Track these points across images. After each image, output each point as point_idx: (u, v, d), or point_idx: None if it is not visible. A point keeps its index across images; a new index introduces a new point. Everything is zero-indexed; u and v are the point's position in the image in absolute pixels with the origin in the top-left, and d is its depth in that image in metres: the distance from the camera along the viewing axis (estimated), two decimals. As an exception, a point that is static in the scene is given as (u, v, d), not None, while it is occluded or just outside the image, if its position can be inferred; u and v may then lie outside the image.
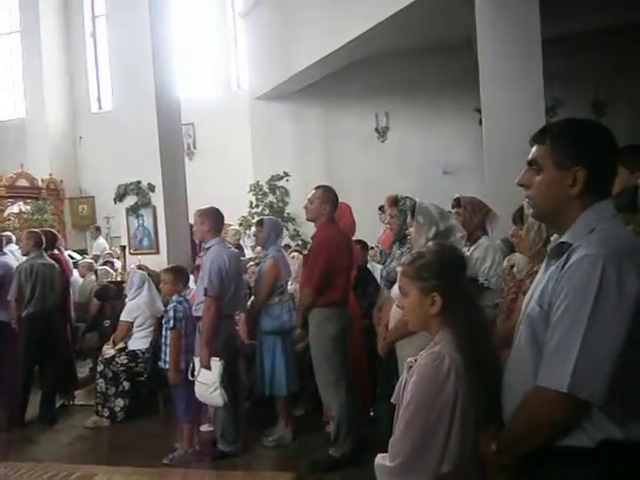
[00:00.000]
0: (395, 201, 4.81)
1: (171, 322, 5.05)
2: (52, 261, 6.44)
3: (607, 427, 1.76)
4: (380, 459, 2.14)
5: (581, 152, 1.87)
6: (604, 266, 1.71)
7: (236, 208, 10.84)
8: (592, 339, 1.70)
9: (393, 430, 2.15)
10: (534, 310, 1.90)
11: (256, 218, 8.73)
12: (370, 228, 7.14)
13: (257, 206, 12.21)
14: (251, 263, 7.00)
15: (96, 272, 8.81)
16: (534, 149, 1.96)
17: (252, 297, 5.66)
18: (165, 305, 5.79)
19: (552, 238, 2.08)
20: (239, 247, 8.91)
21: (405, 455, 2.04)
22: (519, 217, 3.50)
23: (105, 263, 9.18)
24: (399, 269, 2.31)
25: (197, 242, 7.67)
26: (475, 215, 4.46)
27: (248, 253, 9.12)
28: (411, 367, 2.17)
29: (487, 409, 2.07)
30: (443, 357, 2.05)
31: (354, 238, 5.61)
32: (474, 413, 2.04)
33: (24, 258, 6.58)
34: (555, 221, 1.99)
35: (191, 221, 7.09)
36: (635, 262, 1.74)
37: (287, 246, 9.45)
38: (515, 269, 3.66)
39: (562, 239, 1.91)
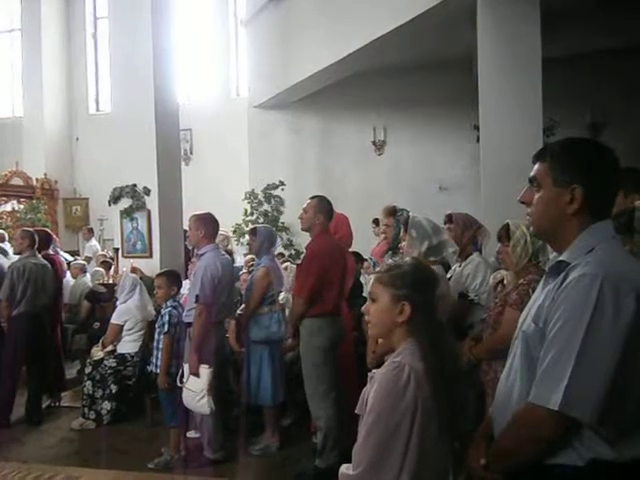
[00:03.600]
0: (393, 211, 4.85)
1: (166, 326, 5.07)
2: (45, 261, 6.41)
3: (597, 447, 1.77)
4: (344, 469, 2.18)
5: (580, 170, 1.88)
6: (601, 286, 1.72)
7: (231, 215, 10.84)
8: (586, 358, 1.71)
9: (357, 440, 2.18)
10: (530, 327, 1.91)
11: (250, 226, 8.75)
12: (364, 240, 7.15)
13: (252, 214, 12.20)
14: (243, 271, 6.99)
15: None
16: (535, 167, 1.98)
17: (243, 305, 5.66)
18: (157, 310, 5.79)
19: (551, 257, 2.09)
20: (228, 253, 8.89)
21: (367, 463, 2.07)
22: (505, 234, 3.53)
23: (102, 263, 9.17)
24: (372, 276, 2.35)
25: (190, 247, 7.66)
26: (466, 231, 4.49)
27: (239, 260, 9.09)
28: (373, 378, 2.21)
29: (450, 420, 2.11)
30: (403, 366, 2.09)
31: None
32: (435, 423, 2.08)
33: (15, 257, 6.56)
34: (554, 239, 2.00)
35: (185, 226, 7.09)
36: (632, 283, 1.74)
37: (281, 254, 9.44)
38: (505, 282, 3.69)
39: (561, 257, 1.91)
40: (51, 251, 7.09)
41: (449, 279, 4.26)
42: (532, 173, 1.98)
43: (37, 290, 6.18)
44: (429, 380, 2.08)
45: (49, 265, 6.45)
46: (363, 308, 2.36)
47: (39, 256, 6.39)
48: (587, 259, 1.82)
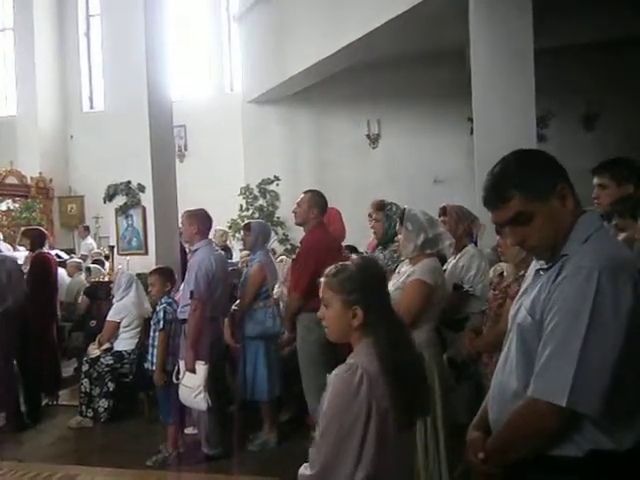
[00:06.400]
0: (382, 206, 4.85)
1: (161, 323, 5.06)
2: (9, 255, 6.21)
3: (596, 437, 1.77)
4: (302, 469, 2.19)
5: (550, 173, 1.89)
6: (599, 277, 1.70)
7: (226, 211, 10.83)
8: (590, 352, 1.70)
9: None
10: (525, 320, 1.88)
11: (246, 221, 8.74)
12: (360, 234, 7.12)
13: (247, 209, 12.19)
14: (232, 268, 6.95)
15: (88, 269, 8.79)
16: (505, 210, 1.89)
17: (237, 300, 5.65)
18: (153, 306, 5.78)
19: None
20: (226, 249, 8.88)
21: (322, 463, 2.09)
22: (503, 227, 3.53)
23: (96, 262, 9.15)
24: (323, 279, 2.33)
25: (183, 244, 7.64)
26: (461, 223, 4.50)
27: (236, 255, 9.10)
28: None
29: (407, 417, 2.14)
30: (356, 367, 2.10)
31: (343, 243, 5.61)
32: (392, 422, 2.09)
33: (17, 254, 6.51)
34: (558, 241, 1.90)
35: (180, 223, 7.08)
36: (629, 274, 1.74)
37: (274, 250, 9.44)
38: (505, 274, 3.70)
39: None
40: (44, 249, 7.04)
41: (444, 272, 4.26)
42: (511, 215, 1.88)
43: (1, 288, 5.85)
44: (384, 379, 2.08)
45: (15, 259, 6.29)
46: (319, 313, 2.34)
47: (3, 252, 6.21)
48: (583, 250, 1.80)
